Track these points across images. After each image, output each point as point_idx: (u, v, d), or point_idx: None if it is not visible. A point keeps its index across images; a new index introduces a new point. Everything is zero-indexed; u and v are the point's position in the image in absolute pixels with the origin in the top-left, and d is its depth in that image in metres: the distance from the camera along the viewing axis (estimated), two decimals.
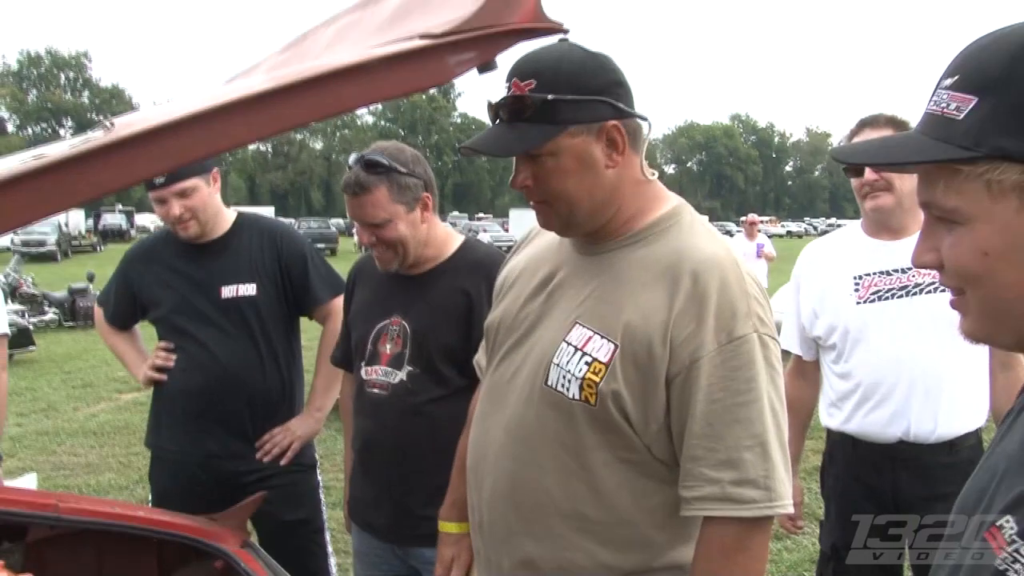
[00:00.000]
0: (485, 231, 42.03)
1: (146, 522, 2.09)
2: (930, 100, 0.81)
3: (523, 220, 42.03)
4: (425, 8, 1.03)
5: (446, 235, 2.30)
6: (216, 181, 2.71)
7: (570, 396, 1.42)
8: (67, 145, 0.74)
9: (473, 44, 0.87)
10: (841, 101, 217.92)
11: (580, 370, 1.41)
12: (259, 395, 2.68)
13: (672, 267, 1.40)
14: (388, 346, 2.24)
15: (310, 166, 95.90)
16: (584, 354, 1.42)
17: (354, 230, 2.37)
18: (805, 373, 2.65)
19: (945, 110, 0.77)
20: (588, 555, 1.46)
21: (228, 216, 2.77)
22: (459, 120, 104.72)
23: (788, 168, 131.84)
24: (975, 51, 0.78)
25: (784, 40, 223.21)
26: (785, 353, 1.94)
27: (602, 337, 1.41)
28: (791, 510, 1.39)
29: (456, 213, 74.65)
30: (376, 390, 2.23)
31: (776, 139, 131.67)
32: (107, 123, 0.77)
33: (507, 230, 44.96)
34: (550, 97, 1.36)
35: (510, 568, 1.54)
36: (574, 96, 1.38)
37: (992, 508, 0.80)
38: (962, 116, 0.76)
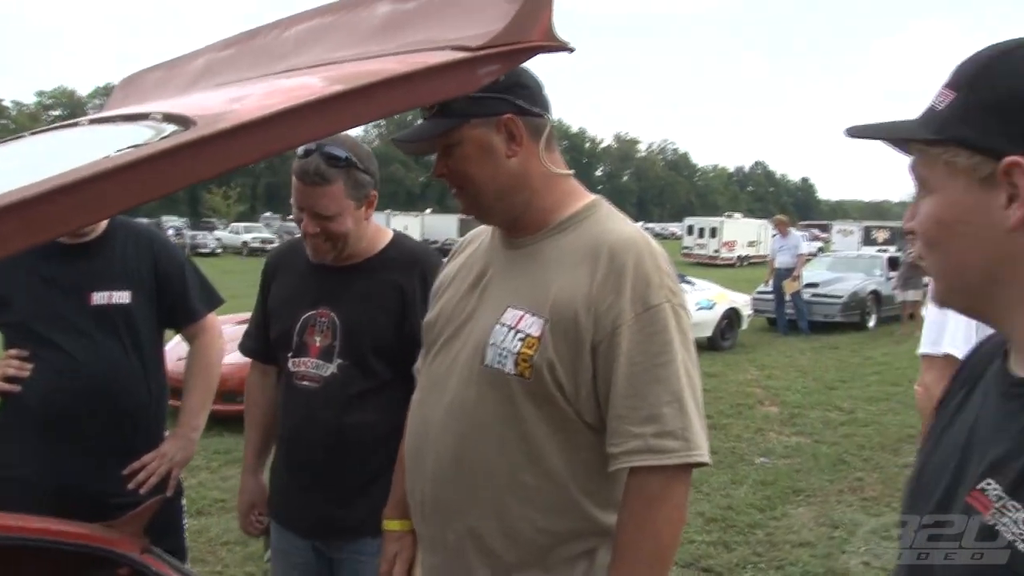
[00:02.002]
0: None
1: (41, 532, 2.00)
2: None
3: None
4: (429, 20, 1.10)
5: (376, 229, 2.32)
6: None
7: (507, 371, 1.55)
8: (152, 139, 0.76)
9: (499, 57, 0.96)
10: (648, 109, 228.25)
11: (515, 346, 1.55)
12: (129, 411, 2.50)
13: (592, 248, 1.57)
14: (317, 338, 2.23)
15: None
16: (518, 331, 1.56)
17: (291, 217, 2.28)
18: None
19: (934, 102, 0.91)
20: (528, 521, 1.58)
21: None
22: None
23: (599, 173, 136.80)
24: (970, 56, 0.91)
25: (595, 48, 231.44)
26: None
27: (532, 315, 1.56)
28: (708, 459, 1.54)
29: (269, 214, 72.37)
30: (306, 382, 2.22)
31: (587, 144, 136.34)
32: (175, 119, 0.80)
33: None
34: None
35: (455, 542, 1.63)
36: (476, 93, 1.53)
37: (962, 486, 0.89)
38: (941, 107, 0.89)
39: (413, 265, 2.23)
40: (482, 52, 0.93)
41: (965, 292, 0.94)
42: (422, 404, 1.73)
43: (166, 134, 0.78)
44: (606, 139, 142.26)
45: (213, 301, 2.74)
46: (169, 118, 0.84)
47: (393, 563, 1.93)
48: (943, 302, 0.98)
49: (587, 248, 1.58)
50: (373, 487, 2.11)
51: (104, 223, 2.54)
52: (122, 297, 2.50)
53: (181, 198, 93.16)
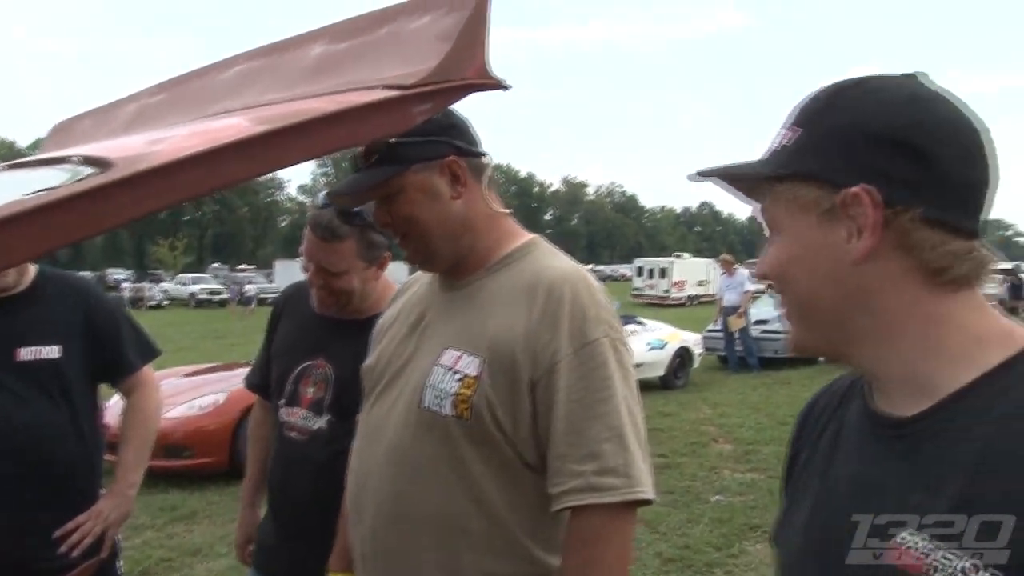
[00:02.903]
0: (251, 283, 40.61)
1: None
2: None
3: (289, 271, 41.13)
4: (362, 59, 1.08)
5: (385, 286, 2.27)
6: None
7: (445, 413, 1.52)
8: (65, 181, 0.73)
9: (433, 96, 0.94)
10: (595, 152, 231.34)
11: (453, 387, 1.52)
12: (60, 470, 2.37)
13: (529, 286, 1.55)
14: (311, 389, 2.18)
15: None
16: (455, 371, 1.53)
17: (298, 262, 2.25)
18: None
19: (777, 142, 0.92)
20: (473, 566, 1.54)
21: (29, 270, 2.45)
22: None
23: (547, 217, 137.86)
24: (810, 95, 0.92)
25: (542, 93, 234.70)
26: None
27: (470, 355, 1.53)
28: (651, 496, 1.51)
29: (217, 264, 71.62)
30: (295, 434, 2.18)
31: (535, 189, 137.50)
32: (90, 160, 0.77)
33: (272, 281, 43.94)
34: (393, 140, 1.53)
35: None
36: (415, 138, 1.53)
37: (873, 541, 0.84)
38: (785, 145, 0.90)
39: None
40: (415, 90, 0.92)
41: (820, 332, 0.92)
42: (361, 452, 1.69)
43: (82, 177, 0.75)
44: (554, 183, 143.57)
45: (149, 354, 2.65)
46: (88, 161, 0.80)
47: None
48: (799, 348, 0.96)
49: (524, 285, 1.57)
50: None
51: (31, 275, 2.45)
52: (51, 352, 2.39)
53: (127, 249, 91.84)
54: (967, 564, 0.74)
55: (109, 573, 2.51)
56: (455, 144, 1.60)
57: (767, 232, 0.95)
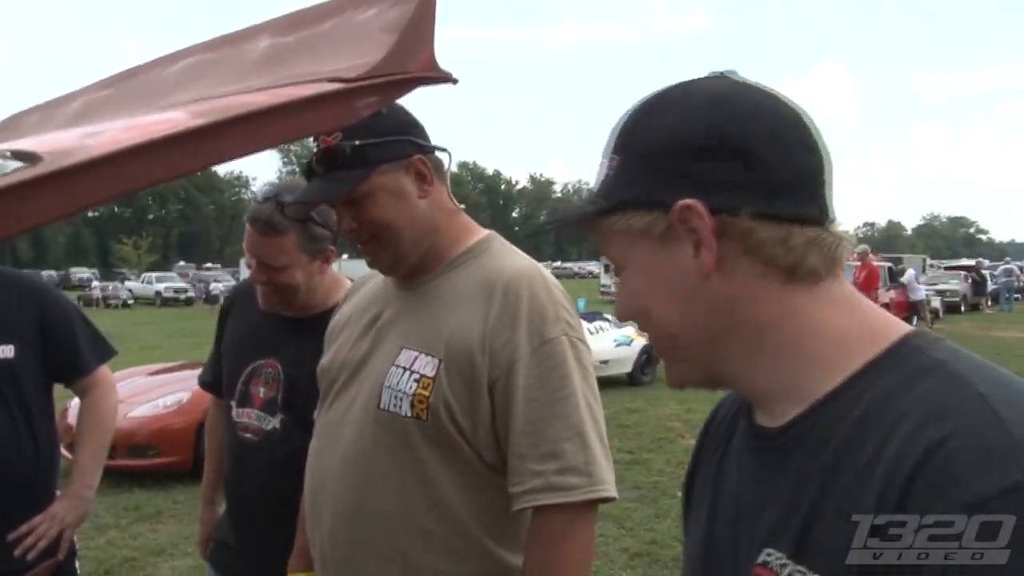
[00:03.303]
0: (217, 281, 40.22)
1: None
2: None
3: None
4: (309, 52, 1.07)
5: (333, 281, 2.24)
6: None
7: (403, 414, 1.51)
8: None
9: (378, 89, 0.92)
10: (561, 150, 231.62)
11: (410, 387, 1.51)
12: (13, 472, 2.33)
13: (486, 284, 1.54)
14: (262, 389, 2.15)
15: None
16: (413, 372, 1.52)
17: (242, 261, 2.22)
18: None
19: (603, 171, 0.88)
20: (432, 568, 1.54)
21: None
22: None
23: (515, 215, 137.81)
24: (621, 118, 0.88)
25: (510, 90, 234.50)
26: None
27: (427, 355, 1.52)
28: (613, 494, 1.51)
29: (183, 263, 70.81)
30: (248, 435, 2.14)
31: (503, 186, 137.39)
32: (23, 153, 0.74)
33: (238, 280, 43.57)
34: (357, 143, 1.50)
35: None
36: (378, 139, 1.51)
37: (742, 562, 0.84)
38: (608, 175, 0.86)
39: None
40: (358, 83, 0.90)
41: (694, 361, 0.88)
42: (318, 453, 1.67)
43: (6, 172, 0.72)
44: (521, 180, 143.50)
45: (104, 353, 2.60)
46: (16, 155, 0.78)
47: None
48: (678, 384, 0.92)
49: (481, 284, 1.55)
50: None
51: None
52: (4, 351, 2.35)
53: (90, 248, 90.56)
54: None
55: (67, 574, 2.47)
56: (417, 142, 1.58)
57: (615, 275, 0.91)
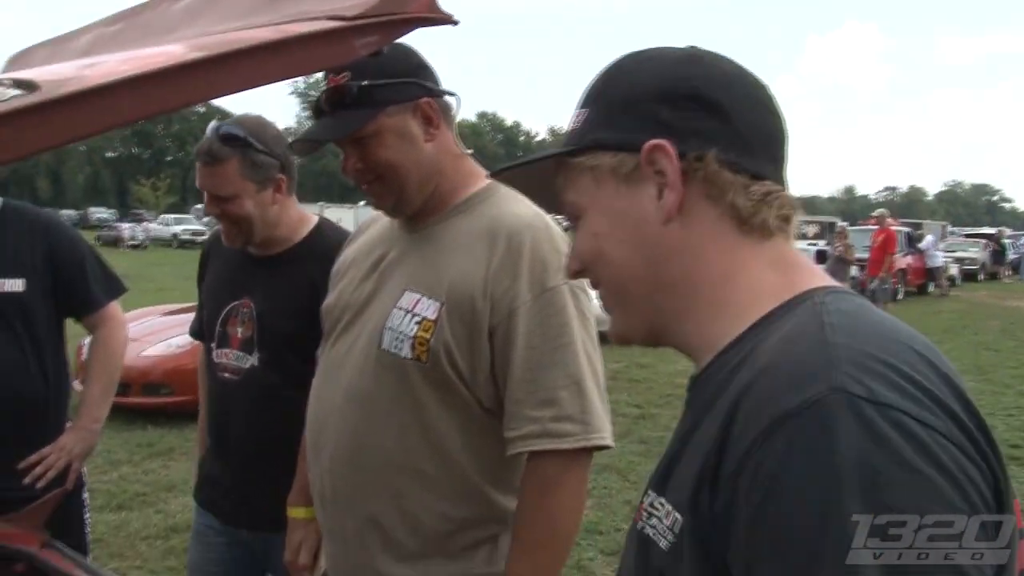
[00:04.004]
0: None
1: None
2: None
3: None
4: None
5: (299, 217, 2.25)
6: None
7: (403, 356, 1.53)
8: None
9: (377, 28, 0.93)
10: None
11: (411, 329, 1.53)
12: (23, 404, 2.38)
13: (490, 231, 1.55)
14: (239, 329, 2.17)
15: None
16: (414, 315, 1.54)
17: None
18: None
19: (571, 125, 0.91)
20: (428, 508, 1.56)
21: None
22: (203, 109, 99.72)
23: None
24: (593, 77, 0.92)
25: (526, 39, 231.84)
26: None
27: (429, 298, 1.54)
28: (609, 442, 1.53)
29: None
30: (227, 374, 2.17)
31: (522, 138, 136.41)
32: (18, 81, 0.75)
33: None
34: (364, 83, 1.51)
35: (354, 531, 1.61)
36: (386, 80, 1.52)
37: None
38: (578, 125, 0.89)
39: (328, 257, 2.15)
40: (358, 22, 0.91)
41: (639, 314, 0.90)
42: (320, 391, 1.69)
43: (6, 98, 0.73)
44: (541, 132, 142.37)
45: (115, 290, 2.63)
46: (16, 83, 0.79)
47: (298, 551, 1.89)
48: (621, 338, 0.93)
49: (485, 230, 1.56)
50: (290, 482, 2.07)
51: None
52: (15, 285, 2.39)
53: (109, 188, 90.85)
54: (668, 507, 0.78)
55: (75, 504, 2.52)
56: (426, 85, 1.58)
57: (572, 223, 0.93)
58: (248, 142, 2.08)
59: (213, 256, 2.37)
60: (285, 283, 2.17)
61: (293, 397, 2.08)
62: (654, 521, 0.79)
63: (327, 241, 2.22)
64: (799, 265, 0.86)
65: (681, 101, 0.83)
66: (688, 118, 0.83)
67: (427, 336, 1.52)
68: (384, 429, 1.56)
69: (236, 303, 2.20)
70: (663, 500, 0.79)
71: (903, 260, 19.62)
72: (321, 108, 1.57)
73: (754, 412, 0.69)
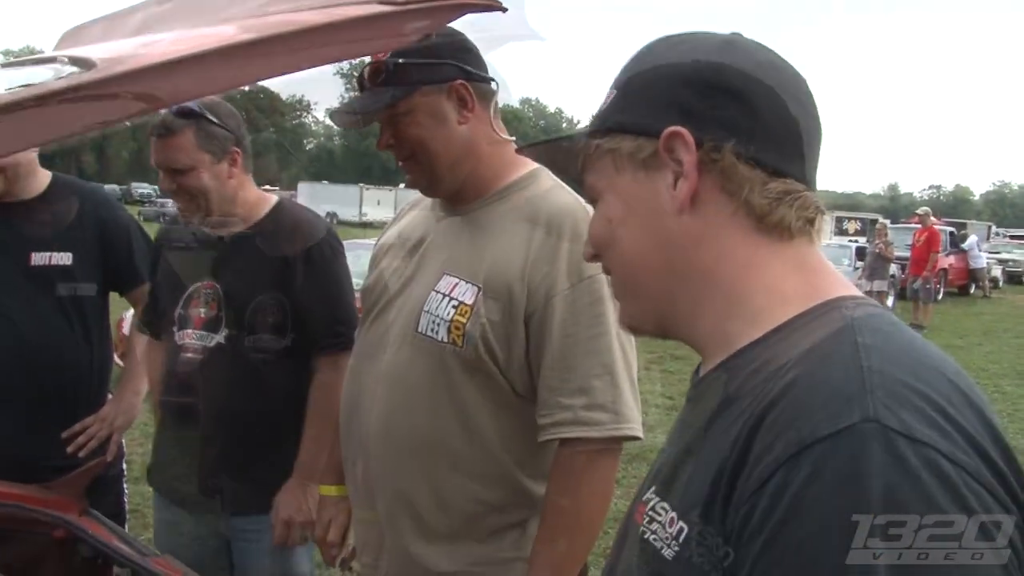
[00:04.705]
0: None
1: None
2: None
3: (313, 193, 41.03)
4: None
5: (258, 197, 2.27)
6: None
7: (439, 339, 1.54)
8: (50, 78, 0.73)
9: (428, 13, 0.93)
10: None
11: (448, 313, 1.54)
12: (68, 374, 2.44)
13: (530, 217, 1.56)
14: (202, 310, 2.19)
15: None
16: (451, 299, 1.55)
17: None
18: None
19: (600, 106, 0.89)
20: (460, 490, 1.58)
21: (43, 176, 2.49)
22: (247, 88, 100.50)
23: None
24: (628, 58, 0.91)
25: (572, 25, 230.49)
26: None
27: (467, 282, 1.55)
28: (638, 433, 1.54)
29: None
30: (190, 354, 2.18)
31: (564, 124, 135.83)
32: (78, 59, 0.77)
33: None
34: (400, 60, 1.52)
35: (386, 509, 1.63)
36: (423, 60, 1.53)
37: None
38: (604, 107, 0.88)
39: (296, 234, 2.17)
40: (409, 7, 0.91)
41: (649, 303, 0.88)
42: (356, 371, 1.71)
43: (63, 75, 0.75)
44: (583, 120, 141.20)
45: None
46: (73, 61, 0.80)
47: (328, 528, 1.92)
48: (630, 326, 0.92)
49: (524, 217, 1.57)
50: (260, 463, 2.09)
51: (45, 181, 2.49)
52: (63, 258, 2.44)
53: (152, 165, 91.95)
54: (672, 515, 0.76)
55: (114, 474, 2.57)
56: (463, 68, 1.59)
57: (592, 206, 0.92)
58: (202, 114, 2.09)
59: (167, 247, 2.37)
60: (255, 258, 2.16)
61: (271, 374, 2.10)
62: (655, 527, 0.78)
63: (293, 216, 2.24)
64: (822, 270, 0.84)
65: (706, 88, 0.81)
66: (711, 106, 0.81)
67: (463, 320, 1.53)
68: (418, 411, 1.58)
69: (197, 285, 2.21)
70: (666, 505, 0.78)
71: (945, 260, 19.28)
72: (363, 82, 1.60)
73: (782, 430, 0.67)
